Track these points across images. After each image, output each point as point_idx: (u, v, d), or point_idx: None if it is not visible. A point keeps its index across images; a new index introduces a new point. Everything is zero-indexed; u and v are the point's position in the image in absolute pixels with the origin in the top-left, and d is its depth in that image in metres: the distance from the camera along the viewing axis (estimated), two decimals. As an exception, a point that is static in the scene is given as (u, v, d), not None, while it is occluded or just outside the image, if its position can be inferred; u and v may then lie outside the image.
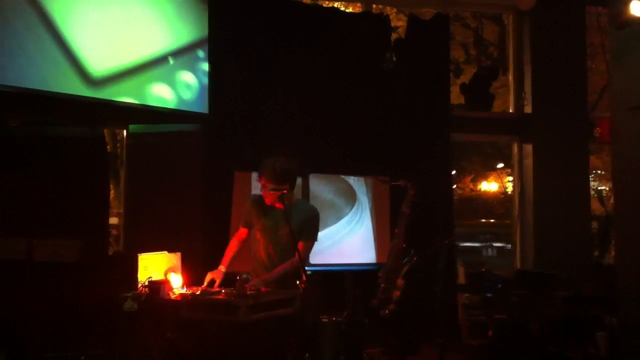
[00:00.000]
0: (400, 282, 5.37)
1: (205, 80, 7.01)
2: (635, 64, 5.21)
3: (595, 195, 14.48)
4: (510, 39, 9.39)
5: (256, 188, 6.43)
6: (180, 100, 6.81)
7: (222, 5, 7.27)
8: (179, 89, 6.81)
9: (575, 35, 8.92)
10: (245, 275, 4.36)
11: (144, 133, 6.94)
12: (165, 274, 4.66)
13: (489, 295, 7.11)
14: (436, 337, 5.60)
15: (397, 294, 5.35)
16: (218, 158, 6.91)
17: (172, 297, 4.38)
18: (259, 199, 4.93)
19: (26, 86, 5.83)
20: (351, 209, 7.35)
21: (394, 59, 7.89)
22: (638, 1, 4.91)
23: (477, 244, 14.70)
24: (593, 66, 9.38)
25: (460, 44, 11.86)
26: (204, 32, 7.05)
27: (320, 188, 7.10)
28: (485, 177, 18.79)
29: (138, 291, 4.42)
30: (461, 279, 8.88)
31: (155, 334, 4.24)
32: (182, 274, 4.80)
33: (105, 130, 7.02)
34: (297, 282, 4.41)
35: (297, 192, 6.68)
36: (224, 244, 6.33)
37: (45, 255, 5.93)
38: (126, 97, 6.46)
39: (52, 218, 6.06)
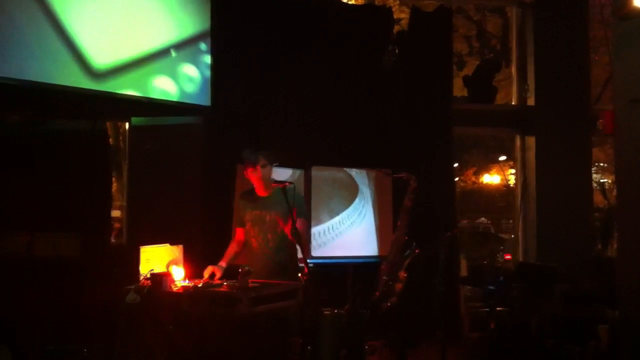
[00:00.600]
0: (402, 274, 5.37)
1: (208, 73, 6.99)
2: (637, 57, 5.19)
3: (598, 188, 14.49)
4: (513, 32, 9.38)
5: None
6: (183, 93, 6.80)
7: (224, -3, 7.27)
8: (182, 82, 6.80)
9: (578, 28, 8.89)
10: (247, 268, 4.36)
11: (146, 126, 6.95)
12: (167, 267, 4.67)
13: (491, 288, 7.11)
14: (437, 330, 5.60)
15: (399, 286, 5.35)
16: (220, 151, 6.90)
17: (174, 289, 4.39)
18: (244, 195, 5.08)
19: (28, 78, 5.82)
20: (353, 202, 7.35)
21: (397, 51, 7.87)
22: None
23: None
24: (596, 58, 9.36)
25: (463, 36, 11.87)
26: (207, 25, 7.02)
27: (322, 180, 7.10)
28: (487, 170, 18.80)
29: (140, 283, 4.43)
30: (463, 271, 8.89)
31: (156, 326, 4.25)
32: (184, 266, 4.81)
33: (107, 123, 7.02)
34: (299, 274, 4.41)
35: (300, 185, 6.72)
36: (225, 237, 6.36)
37: (47, 249, 5.94)
38: (128, 90, 6.44)
39: (53, 212, 6.07)
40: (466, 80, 9.46)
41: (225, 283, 4.45)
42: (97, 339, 5.47)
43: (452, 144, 8.41)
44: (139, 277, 4.53)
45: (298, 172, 6.92)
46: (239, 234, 5.15)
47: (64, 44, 6.03)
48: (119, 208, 9.59)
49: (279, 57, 7.49)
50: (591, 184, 9.30)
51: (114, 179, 7.92)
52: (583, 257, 8.11)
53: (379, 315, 5.37)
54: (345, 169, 7.33)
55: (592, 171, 9.99)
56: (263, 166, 4.90)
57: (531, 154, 9.00)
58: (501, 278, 7.19)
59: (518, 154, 9.32)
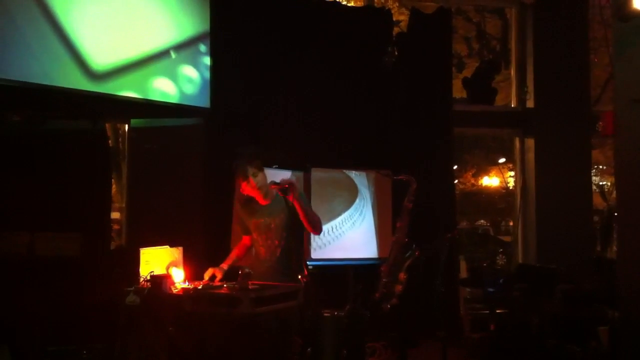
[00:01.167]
0: (402, 276, 5.36)
1: (207, 74, 6.98)
2: (638, 57, 5.18)
3: (597, 190, 14.50)
4: (512, 33, 9.38)
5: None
6: (182, 94, 6.79)
7: (224, -1, 7.27)
8: (181, 83, 6.79)
9: (578, 29, 8.90)
10: (247, 270, 4.35)
11: (145, 127, 6.94)
12: (167, 269, 4.66)
13: (491, 289, 7.11)
14: (437, 330, 5.59)
15: (399, 288, 5.34)
16: (220, 152, 6.89)
17: (174, 291, 4.39)
18: (245, 204, 4.99)
19: (28, 80, 5.81)
20: (353, 203, 7.35)
21: (396, 53, 7.86)
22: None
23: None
24: (596, 59, 9.36)
25: (463, 37, 11.87)
26: (206, 26, 7.02)
27: (322, 182, 7.09)
28: (486, 172, 18.81)
29: (140, 285, 4.42)
30: (463, 273, 8.89)
31: (156, 328, 4.24)
32: (184, 268, 4.80)
33: (107, 125, 7.01)
34: (299, 276, 4.40)
35: (299, 186, 6.71)
36: (225, 238, 6.36)
37: (47, 249, 5.93)
38: (128, 91, 6.44)
39: (53, 212, 6.06)
40: (466, 82, 9.46)
41: (225, 285, 4.44)
42: (98, 340, 5.46)
43: (452, 145, 8.40)
44: (138, 279, 4.52)
45: (297, 173, 6.91)
46: (245, 239, 5.12)
47: (64, 45, 6.02)
48: (118, 210, 9.59)
49: (279, 59, 7.48)
50: (591, 185, 9.30)
51: (113, 180, 7.90)
52: (583, 258, 8.10)
53: (379, 316, 5.36)
54: (344, 170, 7.32)
55: (592, 173, 9.99)
56: (254, 175, 4.77)
57: (531, 156, 9.00)
58: (501, 280, 7.19)
59: (518, 155, 9.32)
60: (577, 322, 6.31)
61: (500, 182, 18.88)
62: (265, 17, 7.45)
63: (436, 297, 5.37)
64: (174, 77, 6.75)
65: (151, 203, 6.62)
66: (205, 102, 6.93)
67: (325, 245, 7.00)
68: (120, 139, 10.21)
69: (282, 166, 6.53)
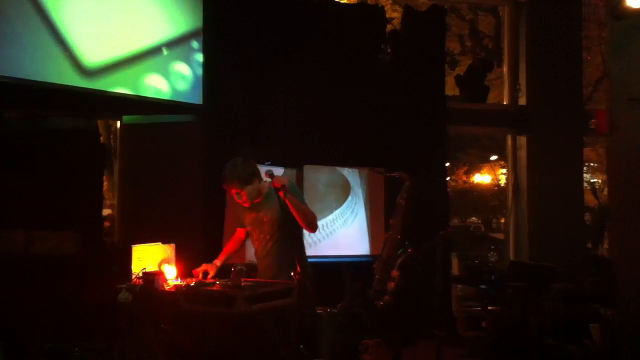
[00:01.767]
0: (395, 273, 5.35)
1: (200, 71, 6.96)
2: (633, 55, 5.19)
3: (589, 188, 14.54)
4: (505, 31, 9.39)
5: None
6: (175, 91, 6.77)
7: (216, -5, 7.24)
8: (174, 80, 6.76)
9: (571, 28, 8.93)
10: (239, 267, 4.33)
11: (138, 124, 6.91)
12: (159, 266, 4.63)
13: (484, 287, 7.11)
14: (434, 328, 5.59)
15: (392, 285, 5.33)
16: (212, 149, 6.87)
17: (167, 288, 4.36)
18: None
19: (19, 76, 5.78)
20: (345, 201, 7.34)
21: (389, 50, 7.85)
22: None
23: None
24: (589, 57, 9.38)
25: (456, 35, 11.87)
26: (199, 23, 6.99)
27: (315, 179, 7.09)
28: (478, 170, 18.82)
29: (132, 282, 4.39)
30: (455, 270, 8.90)
31: (151, 325, 4.22)
32: (176, 265, 4.77)
33: (98, 121, 6.97)
34: (292, 273, 4.38)
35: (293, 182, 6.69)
36: (218, 235, 6.34)
37: (43, 247, 5.90)
38: (120, 88, 6.41)
39: (46, 210, 6.02)
40: (458, 80, 9.46)
41: (217, 282, 4.41)
42: (94, 338, 5.44)
43: (445, 142, 8.40)
44: (130, 276, 4.49)
45: (290, 170, 6.90)
46: (239, 232, 5.10)
47: (56, 42, 5.99)
48: (110, 207, 9.55)
49: (272, 56, 7.46)
50: (582, 183, 9.32)
51: (104, 177, 7.87)
52: (575, 255, 8.12)
53: (373, 313, 5.35)
54: (337, 168, 7.31)
55: (583, 171, 10.01)
56: (243, 189, 4.72)
57: (523, 153, 9.02)
58: (493, 277, 7.20)
59: (510, 153, 9.33)
60: (570, 320, 6.32)
61: (492, 179, 18.89)
62: (257, 14, 7.43)
63: (436, 295, 5.38)
64: (166, 73, 6.72)
65: (143, 200, 6.60)
66: (197, 99, 6.92)
67: (317, 242, 6.99)
68: (112, 136, 10.17)
69: (275, 163, 6.51)
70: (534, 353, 6.21)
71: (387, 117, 8.00)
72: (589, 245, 9.91)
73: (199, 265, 4.80)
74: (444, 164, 8.65)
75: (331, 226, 7.19)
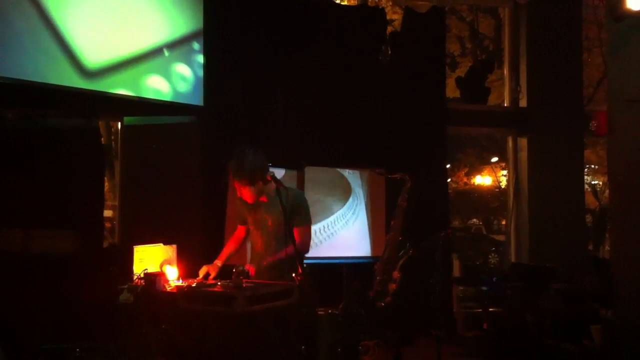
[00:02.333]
0: (396, 274, 5.36)
1: (201, 72, 6.97)
2: (632, 57, 5.20)
3: (589, 189, 14.55)
4: (505, 32, 9.39)
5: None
6: (176, 92, 6.78)
7: (217, -3, 7.25)
8: (174, 81, 6.77)
9: (572, 29, 8.93)
10: (241, 268, 4.33)
11: (138, 125, 6.92)
12: (161, 266, 4.65)
13: (484, 288, 7.12)
14: (433, 329, 5.59)
15: (393, 286, 5.34)
16: (213, 150, 6.88)
17: (168, 289, 4.37)
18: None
19: (20, 77, 5.79)
20: (346, 202, 7.34)
21: (390, 52, 7.86)
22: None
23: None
24: (589, 59, 9.38)
25: (456, 37, 11.88)
26: (199, 24, 7.00)
27: (316, 181, 7.09)
28: (479, 171, 18.85)
29: (133, 283, 4.40)
30: (456, 271, 8.90)
31: (151, 326, 4.23)
32: (178, 266, 4.78)
33: (99, 122, 6.98)
34: (293, 274, 4.39)
35: (292, 184, 6.71)
36: (219, 236, 6.34)
37: (41, 247, 5.89)
38: (121, 89, 6.42)
39: (47, 210, 6.02)
40: (459, 81, 9.47)
41: (219, 283, 4.42)
42: (93, 338, 5.43)
43: (445, 143, 8.41)
44: (132, 277, 4.50)
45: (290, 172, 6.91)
46: (240, 230, 5.09)
47: (57, 43, 6.00)
48: (111, 208, 9.56)
49: (272, 57, 7.47)
50: (583, 185, 9.32)
51: (105, 178, 7.88)
52: (576, 256, 8.12)
53: (374, 314, 5.35)
54: (338, 169, 7.31)
55: (584, 172, 10.02)
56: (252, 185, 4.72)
57: (523, 155, 9.01)
58: (494, 278, 7.21)
59: (510, 154, 9.33)
60: (570, 320, 6.33)
61: (493, 181, 18.91)
62: (258, 16, 7.44)
63: (434, 296, 5.37)
64: (167, 75, 6.74)
65: (144, 201, 6.60)
66: (198, 100, 6.93)
67: (318, 244, 6.99)
68: (113, 137, 10.19)
69: (276, 164, 6.52)
70: (533, 353, 6.22)
71: (388, 118, 8.01)
72: (590, 246, 9.90)
73: (200, 265, 4.81)
74: (445, 165, 8.65)
75: (332, 227, 7.19)
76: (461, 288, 7.88)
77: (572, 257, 7.94)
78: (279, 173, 6.51)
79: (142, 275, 4.41)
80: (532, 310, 6.49)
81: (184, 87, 6.86)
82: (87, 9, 6.25)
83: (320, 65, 7.68)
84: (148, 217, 6.46)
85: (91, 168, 6.33)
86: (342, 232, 7.26)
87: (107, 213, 8.91)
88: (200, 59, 6.99)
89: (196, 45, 6.99)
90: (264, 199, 4.75)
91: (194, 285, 4.38)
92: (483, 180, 19.17)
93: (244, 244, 5.14)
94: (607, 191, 12.46)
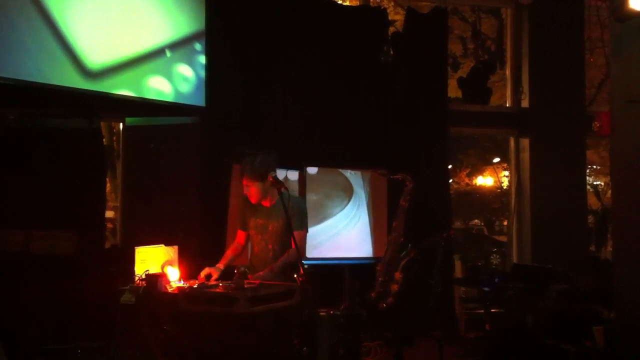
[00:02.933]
0: (398, 275, 5.36)
1: (203, 73, 6.98)
2: (635, 57, 5.18)
3: (592, 190, 14.53)
4: (508, 33, 9.38)
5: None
6: (178, 93, 6.78)
7: (219, -3, 7.26)
8: (176, 82, 6.78)
9: (574, 29, 8.91)
10: (243, 269, 4.34)
11: (140, 126, 6.92)
12: (162, 267, 4.64)
13: (486, 288, 7.10)
14: (433, 330, 5.58)
15: (395, 287, 5.34)
16: (215, 151, 6.89)
17: (169, 290, 4.37)
18: (248, 201, 4.94)
19: (23, 78, 5.79)
20: (348, 203, 7.33)
21: (392, 52, 7.85)
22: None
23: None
24: (592, 59, 9.36)
25: (458, 37, 11.87)
26: (201, 25, 7.01)
27: (317, 181, 7.08)
28: (481, 172, 18.82)
29: (135, 284, 4.40)
30: (458, 272, 8.89)
31: (152, 327, 4.23)
32: (179, 267, 4.78)
33: (101, 123, 6.98)
34: (295, 275, 4.39)
35: (294, 185, 6.72)
36: (221, 237, 6.34)
37: (43, 247, 5.91)
38: (123, 90, 6.43)
39: (48, 210, 6.04)
40: (461, 82, 9.46)
41: (220, 284, 4.42)
42: (93, 338, 5.44)
43: (447, 144, 8.41)
44: (134, 278, 4.50)
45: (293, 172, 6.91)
46: (240, 237, 5.10)
47: (59, 44, 6.01)
48: (112, 209, 9.56)
49: (274, 58, 7.48)
50: (585, 185, 9.31)
51: (107, 179, 7.87)
52: (578, 257, 8.11)
53: (376, 315, 5.35)
54: (339, 170, 7.31)
55: (586, 173, 10.01)
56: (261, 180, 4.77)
57: (526, 156, 9.00)
58: (496, 279, 7.19)
59: (512, 155, 9.32)
60: (572, 321, 6.31)
61: (495, 181, 18.89)
62: (260, 17, 7.44)
63: (434, 297, 5.37)
64: (169, 75, 6.74)
65: (146, 202, 6.60)
66: (200, 101, 6.93)
67: (319, 244, 6.99)
68: (114, 138, 10.18)
69: (278, 165, 6.53)
70: (534, 354, 6.20)
71: (389, 118, 8.00)
72: (592, 247, 9.88)
73: (202, 267, 4.81)
74: (446, 166, 8.64)
75: (334, 228, 7.18)
76: (463, 289, 7.87)
77: (574, 258, 7.92)
78: (280, 174, 6.52)
79: (143, 276, 4.40)
80: (533, 311, 6.48)
81: (185, 88, 6.86)
82: (90, 10, 6.25)
83: (322, 65, 7.68)
84: (149, 217, 6.46)
85: (93, 169, 6.35)
86: (344, 233, 7.25)
87: (109, 214, 8.92)
88: (202, 59, 6.99)
89: (198, 46, 6.99)
90: (266, 203, 4.78)
91: (195, 286, 4.38)
92: (485, 181, 19.14)
93: (243, 251, 5.15)
94: (609, 192, 12.46)
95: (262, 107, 7.40)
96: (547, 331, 6.30)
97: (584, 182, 9.31)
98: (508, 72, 9.37)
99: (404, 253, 5.49)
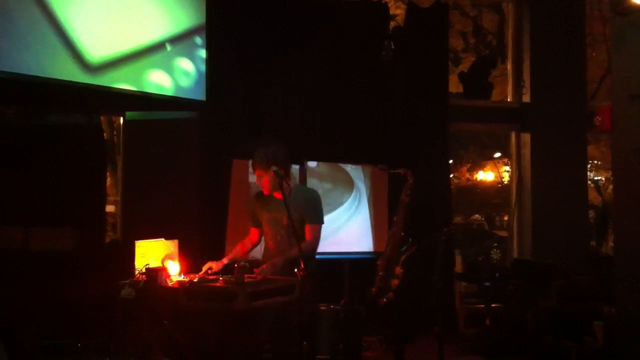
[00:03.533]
0: (398, 270, 5.34)
1: (203, 67, 6.96)
2: (636, 52, 5.18)
3: (592, 185, 14.52)
4: (509, 28, 9.37)
5: (253, 176, 6.41)
6: (178, 87, 6.77)
7: (219, -8, 7.24)
8: (177, 76, 6.76)
9: (575, 24, 8.90)
10: (243, 263, 4.33)
11: (141, 120, 6.91)
12: (163, 261, 4.64)
13: (487, 284, 7.11)
14: (434, 326, 5.58)
15: (395, 282, 5.32)
16: (215, 145, 6.88)
17: (170, 284, 4.37)
18: (260, 193, 4.94)
19: (22, 72, 5.77)
20: (349, 197, 7.33)
21: (392, 47, 7.84)
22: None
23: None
24: (593, 54, 9.35)
25: (459, 32, 11.81)
26: (202, 19, 6.99)
27: (318, 176, 7.07)
28: (481, 167, 18.81)
29: (135, 278, 4.40)
30: (458, 267, 8.88)
31: (152, 322, 4.22)
32: (180, 261, 4.78)
33: (102, 118, 6.97)
34: (295, 270, 4.38)
35: (295, 180, 6.70)
36: (221, 231, 6.34)
37: (42, 244, 5.90)
38: (123, 84, 6.41)
39: (48, 206, 6.02)
40: (462, 77, 9.44)
41: (221, 278, 4.42)
42: (93, 334, 5.43)
43: (448, 139, 8.40)
44: (134, 272, 4.50)
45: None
46: (252, 234, 5.09)
47: (59, 37, 5.99)
48: (113, 203, 9.55)
49: (275, 52, 7.47)
50: (586, 181, 9.30)
51: (108, 173, 7.86)
52: (579, 253, 8.11)
53: (376, 310, 5.34)
54: (340, 164, 7.30)
55: (587, 168, 10.00)
56: (274, 170, 4.72)
57: (527, 151, 8.99)
58: (497, 274, 7.19)
59: (514, 150, 9.31)
60: (572, 317, 6.31)
61: (495, 177, 18.87)
62: (261, 11, 7.44)
63: (435, 293, 5.36)
64: (169, 69, 6.72)
65: (146, 196, 6.59)
66: (200, 95, 6.92)
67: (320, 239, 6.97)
68: (115, 132, 10.17)
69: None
70: (532, 350, 6.21)
71: (390, 113, 8.00)
72: (593, 242, 9.88)
73: (202, 261, 4.81)
74: (447, 161, 8.63)
75: (334, 223, 7.17)
76: (463, 284, 7.88)
77: (574, 253, 7.93)
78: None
79: (143, 270, 4.40)
80: (532, 308, 6.48)
81: (186, 82, 6.84)
82: (89, 4, 6.23)
83: (323, 60, 7.68)
84: (150, 212, 6.45)
85: (93, 165, 6.33)
86: (345, 227, 7.24)
87: (110, 208, 8.90)
88: (202, 53, 6.98)
89: (198, 40, 6.97)
90: (279, 195, 4.71)
91: (195, 280, 4.38)
92: (485, 176, 19.13)
93: (253, 249, 5.14)
94: (610, 187, 12.45)
95: (262, 101, 7.39)
96: (547, 329, 6.30)
97: (585, 177, 9.30)
98: (509, 67, 9.36)
99: (404, 248, 5.47)
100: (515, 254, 9.09)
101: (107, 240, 7.12)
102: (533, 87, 8.90)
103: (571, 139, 8.76)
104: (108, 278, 5.16)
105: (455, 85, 9.69)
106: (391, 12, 8.69)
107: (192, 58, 6.90)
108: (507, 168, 15.05)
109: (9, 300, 5.57)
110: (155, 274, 4.32)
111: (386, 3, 8.49)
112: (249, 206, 5.22)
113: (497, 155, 17.71)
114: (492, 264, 8.19)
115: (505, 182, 16.70)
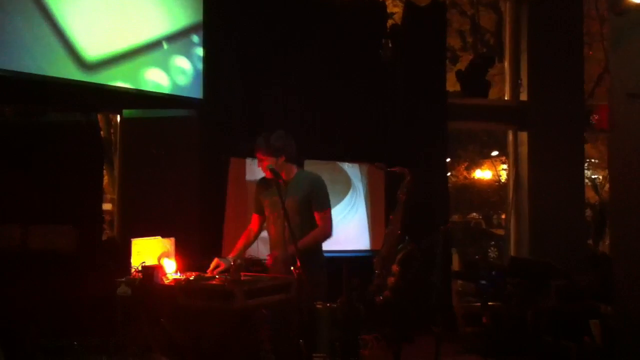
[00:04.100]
0: (395, 268, 5.33)
1: (200, 65, 6.95)
2: (634, 51, 5.18)
3: (590, 184, 14.53)
4: (506, 26, 9.37)
5: (250, 174, 6.42)
6: (175, 85, 6.76)
7: (217, -10, 7.23)
8: (174, 74, 6.76)
9: (573, 23, 8.91)
10: (239, 261, 4.33)
11: (138, 118, 6.90)
12: (159, 259, 4.62)
13: (484, 282, 7.11)
14: (432, 325, 5.57)
15: (392, 280, 5.31)
16: (213, 144, 6.87)
17: (166, 282, 4.36)
18: (262, 178, 4.93)
19: (19, 70, 5.77)
20: (346, 196, 7.33)
21: (390, 45, 7.83)
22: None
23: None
24: (590, 53, 9.36)
25: (457, 31, 11.84)
26: (199, 17, 6.98)
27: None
28: (479, 165, 18.81)
29: (131, 276, 4.39)
30: (456, 265, 8.89)
31: (149, 320, 4.21)
32: (176, 259, 4.77)
33: (99, 116, 6.96)
34: (292, 268, 4.37)
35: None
36: (218, 229, 6.33)
37: (40, 242, 5.88)
38: (120, 82, 6.40)
39: (45, 205, 6.00)
40: (459, 75, 9.44)
41: (217, 276, 4.42)
42: (92, 333, 5.43)
43: (446, 138, 8.40)
44: (130, 270, 4.49)
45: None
46: (254, 221, 5.06)
47: (56, 36, 5.98)
48: (110, 201, 9.56)
49: (272, 50, 7.45)
50: (583, 179, 9.31)
51: (105, 171, 7.86)
52: (576, 251, 8.11)
53: (373, 308, 5.33)
54: (338, 162, 7.29)
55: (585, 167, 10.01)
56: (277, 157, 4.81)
57: (524, 149, 9.00)
58: (494, 273, 7.19)
59: (511, 149, 9.32)
60: (572, 317, 6.31)
61: (493, 175, 18.88)
62: (258, 9, 7.42)
63: (434, 292, 5.36)
64: (166, 68, 6.72)
65: (143, 194, 6.58)
66: (198, 93, 6.91)
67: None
68: (112, 130, 10.17)
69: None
70: (531, 349, 6.21)
71: (388, 112, 7.99)
72: (590, 241, 9.89)
73: (199, 259, 4.81)
74: (445, 160, 8.64)
75: (331, 221, 7.16)
76: (460, 282, 7.88)
77: (571, 252, 7.93)
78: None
79: (139, 268, 4.39)
80: (530, 307, 6.48)
81: (183, 80, 6.84)
82: (87, 1, 6.23)
83: (321, 58, 7.67)
84: (147, 210, 6.44)
85: (90, 163, 6.32)
86: (342, 225, 7.23)
87: (107, 206, 8.91)
88: (199, 52, 6.97)
89: (196, 38, 6.96)
90: (279, 179, 4.70)
91: (191, 278, 4.37)
92: (483, 174, 19.14)
93: (256, 238, 5.11)
94: (607, 185, 12.46)
95: (260, 99, 7.38)
96: (547, 328, 6.30)
97: (582, 176, 9.31)
98: (507, 65, 9.36)
99: (401, 246, 5.46)
100: (512, 253, 9.10)
101: (105, 237, 7.11)
102: (530, 85, 8.92)
103: (568, 137, 8.77)
104: (106, 277, 5.15)
105: (452, 84, 9.69)
106: (389, 11, 8.70)
107: (189, 56, 6.89)
108: (505, 166, 15.06)
109: (8, 299, 5.56)
110: (151, 272, 4.30)
111: (384, 1, 8.49)
112: (253, 192, 5.19)
113: (495, 153, 17.72)
114: (489, 263, 8.19)
115: (503, 181, 16.70)
